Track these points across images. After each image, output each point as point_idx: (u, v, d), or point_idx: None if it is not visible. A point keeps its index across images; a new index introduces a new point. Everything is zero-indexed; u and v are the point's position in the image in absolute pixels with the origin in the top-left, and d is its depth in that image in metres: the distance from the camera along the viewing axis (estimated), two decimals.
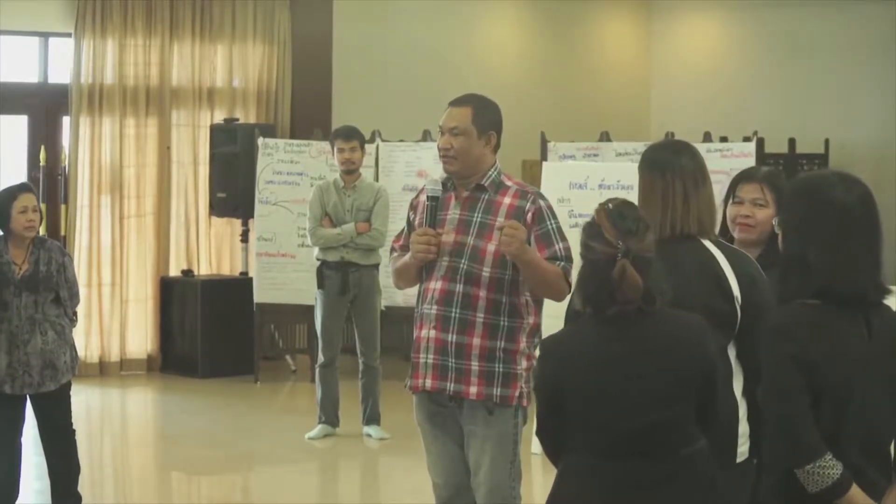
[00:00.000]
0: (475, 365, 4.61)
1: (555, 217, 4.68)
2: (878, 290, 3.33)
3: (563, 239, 4.65)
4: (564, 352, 3.48)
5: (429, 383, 4.66)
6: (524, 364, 4.67)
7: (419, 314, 4.71)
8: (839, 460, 3.21)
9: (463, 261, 4.62)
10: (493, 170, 4.71)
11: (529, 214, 4.63)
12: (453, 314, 4.61)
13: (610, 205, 3.49)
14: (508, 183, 4.72)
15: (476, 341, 4.60)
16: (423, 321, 4.68)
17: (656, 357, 3.39)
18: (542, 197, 4.71)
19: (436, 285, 4.65)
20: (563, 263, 4.59)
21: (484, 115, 4.71)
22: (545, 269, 4.57)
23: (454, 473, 4.74)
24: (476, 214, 4.66)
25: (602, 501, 3.41)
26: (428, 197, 4.68)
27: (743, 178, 4.49)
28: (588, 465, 3.42)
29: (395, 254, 4.88)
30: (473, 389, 4.61)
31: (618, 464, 3.38)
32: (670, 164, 4.01)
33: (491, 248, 4.59)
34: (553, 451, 3.59)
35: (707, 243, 3.98)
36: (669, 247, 3.91)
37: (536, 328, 4.73)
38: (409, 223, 4.85)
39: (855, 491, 3.21)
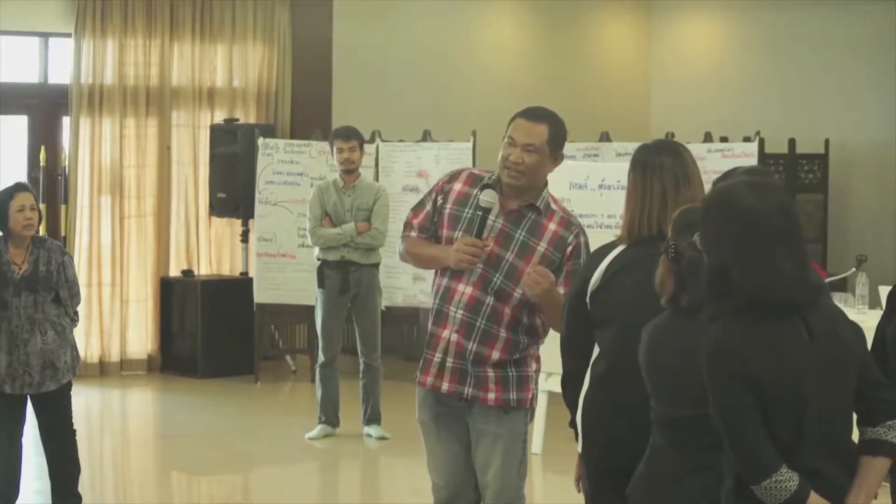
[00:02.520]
0: (491, 372, 4.62)
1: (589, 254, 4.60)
2: (810, 290, 3.27)
3: None
4: (645, 334, 3.63)
5: (446, 386, 4.64)
6: (534, 366, 4.72)
7: (439, 310, 4.65)
8: (801, 466, 3.18)
9: (498, 275, 4.58)
10: (545, 191, 4.67)
11: (570, 248, 4.59)
12: (479, 324, 4.59)
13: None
14: (554, 207, 4.66)
15: (496, 354, 4.60)
16: (446, 322, 4.63)
17: (692, 357, 3.42)
18: (584, 232, 4.67)
19: (465, 290, 4.59)
20: None
21: (558, 136, 4.64)
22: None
23: (455, 473, 4.74)
24: (520, 231, 4.61)
25: (647, 484, 3.57)
26: (481, 208, 4.58)
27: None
28: (650, 446, 3.59)
29: (413, 232, 4.75)
30: (492, 395, 4.62)
31: (662, 450, 3.53)
32: (650, 164, 4.07)
33: (528, 271, 4.51)
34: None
35: None
36: (649, 246, 3.95)
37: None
38: (436, 206, 4.72)
39: (813, 499, 3.18)
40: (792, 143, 11.88)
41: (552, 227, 4.61)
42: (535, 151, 4.56)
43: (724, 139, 10.92)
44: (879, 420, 3.31)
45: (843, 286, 9.17)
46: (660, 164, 4.05)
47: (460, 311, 4.59)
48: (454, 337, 4.61)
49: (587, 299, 4.12)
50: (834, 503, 3.22)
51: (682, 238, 3.50)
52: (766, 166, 10.41)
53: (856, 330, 3.37)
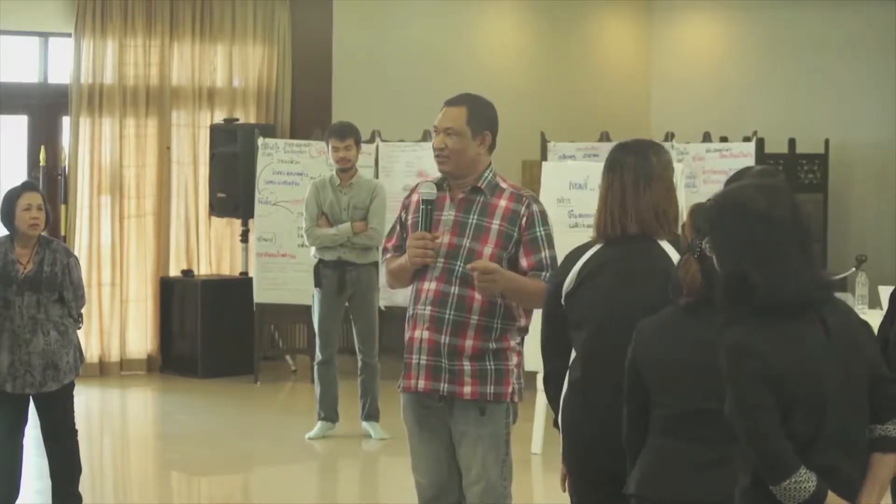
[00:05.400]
0: (467, 365, 4.61)
1: (546, 224, 4.67)
2: (824, 288, 3.31)
3: (551, 247, 4.65)
4: (644, 333, 3.65)
5: (421, 384, 4.65)
6: (515, 360, 4.69)
7: (412, 315, 4.70)
8: (817, 463, 3.19)
9: (458, 263, 4.61)
10: (488, 171, 4.71)
11: (524, 219, 4.63)
12: (447, 316, 4.60)
13: (711, 200, 3.59)
14: (503, 185, 4.71)
15: (469, 343, 4.61)
16: (416, 322, 4.67)
17: (702, 350, 3.47)
18: (537, 201, 4.71)
19: (430, 286, 4.63)
20: (545, 274, 4.57)
21: (479, 116, 4.70)
22: (527, 290, 4.58)
23: (438, 472, 4.76)
24: (472, 216, 4.65)
25: (662, 478, 3.60)
26: (423, 200, 4.66)
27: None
28: (654, 445, 3.62)
29: (389, 255, 4.86)
30: (467, 389, 4.62)
31: (672, 446, 3.57)
32: (616, 164, 4.10)
33: (487, 251, 4.59)
34: (630, 434, 3.71)
35: (663, 244, 3.98)
36: (618, 246, 3.95)
37: (525, 329, 4.75)
38: (402, 223, 4.83)
39: (831, 499, 3.20)
40: (792, 143, 11.88)
41: (503, 203, 4.66)
42: (454, 134, 4.64)
43: (723, 139, 10.92)
44: (888, 417, 3.32)
45: (843, 286, 9.16)
46: (622, 163, 4.07)
47: (428, 308, 4.62)
48: (425, 334, 4.63)
49: (562, 301, 4.11)
50: (849, 500, 3.24)
51: (705, 238, 3.52)
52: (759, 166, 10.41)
53: (866, 326, 3.41)
